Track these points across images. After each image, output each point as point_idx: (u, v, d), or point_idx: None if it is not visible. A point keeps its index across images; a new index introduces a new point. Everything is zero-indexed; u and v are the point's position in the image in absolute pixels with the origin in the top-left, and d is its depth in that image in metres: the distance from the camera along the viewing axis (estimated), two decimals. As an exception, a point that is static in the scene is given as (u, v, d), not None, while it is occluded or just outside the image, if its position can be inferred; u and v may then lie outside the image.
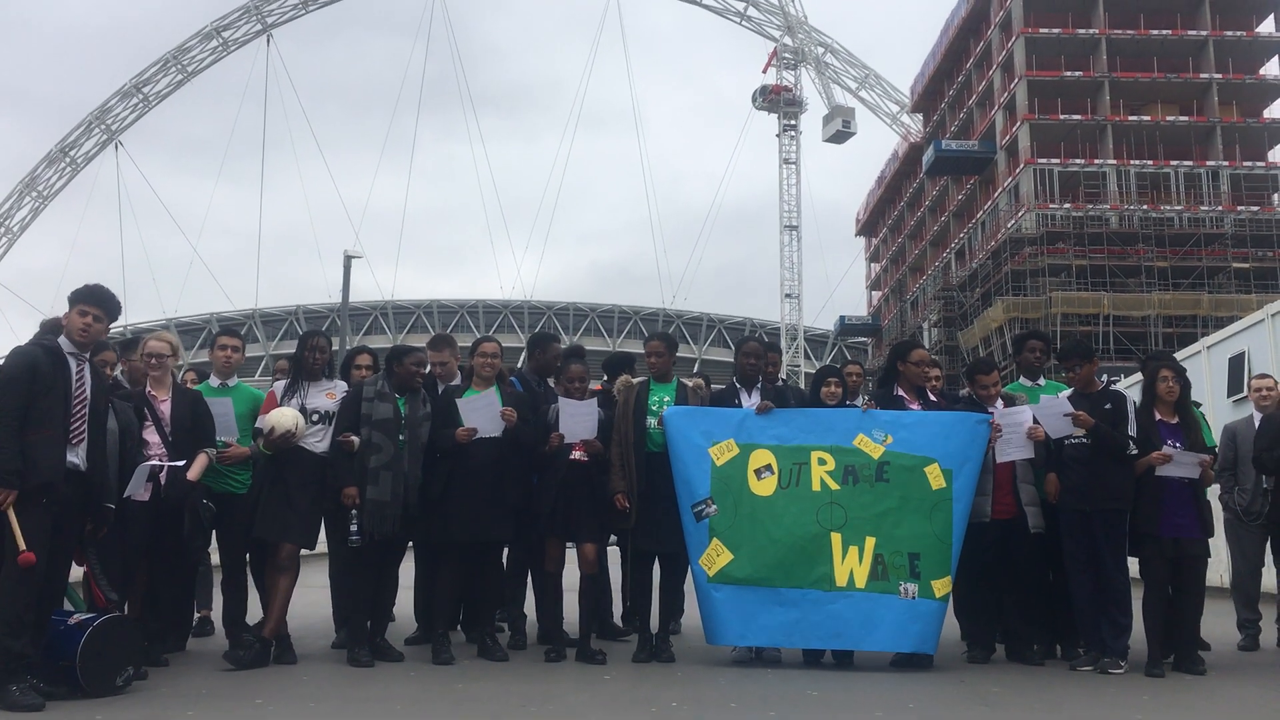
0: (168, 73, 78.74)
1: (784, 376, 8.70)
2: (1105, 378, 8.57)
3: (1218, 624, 8.36)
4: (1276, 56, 55.42)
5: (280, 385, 7.08)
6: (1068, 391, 7.22)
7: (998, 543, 7.05)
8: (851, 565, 6.72)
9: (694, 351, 78.35)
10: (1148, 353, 9.28)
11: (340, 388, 7.13)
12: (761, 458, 6.92)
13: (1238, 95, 53.96)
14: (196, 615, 7.94)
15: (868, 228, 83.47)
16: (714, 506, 6.84)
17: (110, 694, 5.44)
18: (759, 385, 7.39)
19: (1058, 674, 6.73)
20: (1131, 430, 6.78)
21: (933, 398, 7.55)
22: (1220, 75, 53.47)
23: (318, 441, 6.88)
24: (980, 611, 7.30)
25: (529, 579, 7.98)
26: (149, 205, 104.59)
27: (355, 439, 6.71)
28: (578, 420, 6.85)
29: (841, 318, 75.65)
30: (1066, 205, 52.68)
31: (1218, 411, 22.16)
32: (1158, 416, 6.92)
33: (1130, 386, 7.83)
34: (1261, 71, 55.38)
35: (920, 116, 71.90)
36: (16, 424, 5.29)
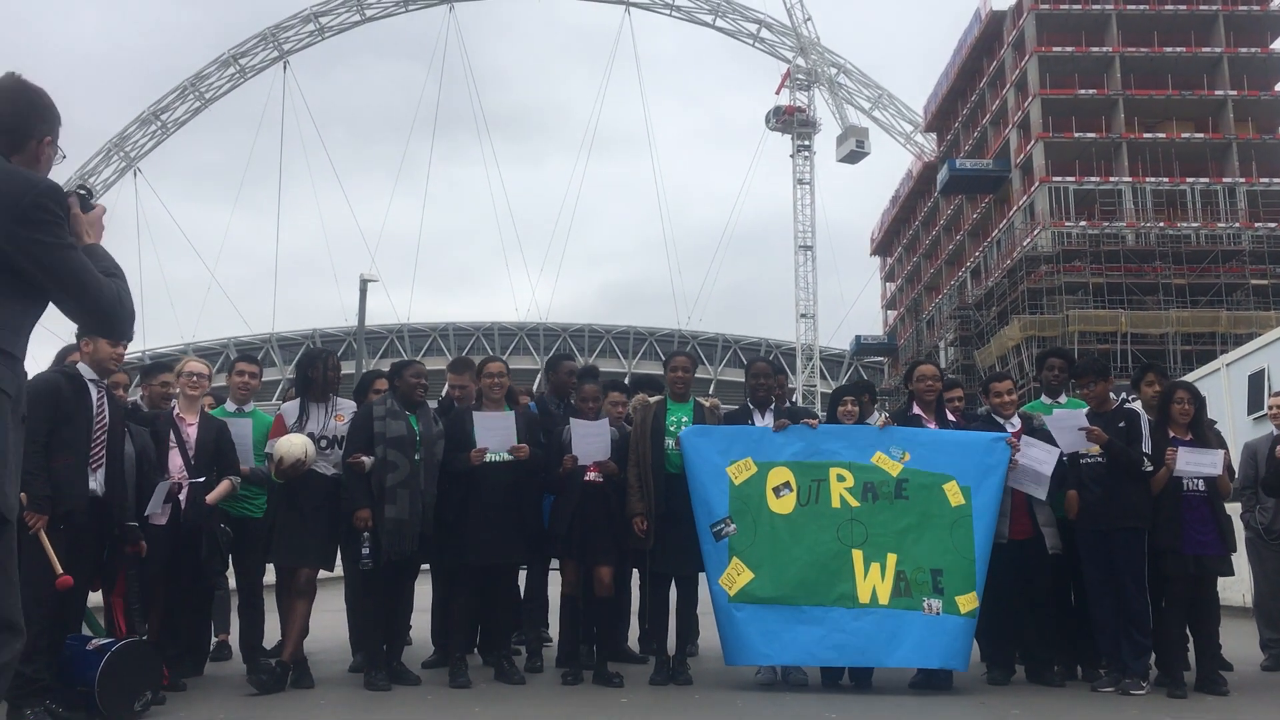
0: (185, 100, 79.56)
1: (792, 400, 8.66)
2: (1125, 396, 8.52)
3: (1241, 644, 8.29)
4: (1292, 72, 55.31)
5: (288, 407, 7.07)
6: (1085, 409, 7.20)
7: (1016, 563, 7.00)
8: (874, 582, 6.69)
9: (709, 372, 78.31)
10: (1141, 365, 9.17)
11: (349, 408, 7.13)
12: (780, 475, 6.90)
13: (1253, 112, 53.88)
14: (214, 640, 7.95)
15: (883, 247, 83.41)
16: (733, 526, 6.81)
17: (128, 719, 5.45)
18: (772, 405, 7.38)
19: (1079, 695, 6.67)
20: (1146, 448, 6.75)
21: (950, 417, 7.54)
22: (1235, 92, 53.42)
23: (331, 465, 6.88)
24: (1000, 633, 7.24)
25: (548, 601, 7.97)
26: (166, 231, 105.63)
27: (366, 460, 6.70)
28: (590, 441, 6.84)
29: (857, 337, 75.53)
30: (1082, 223, 52.61)
31: (1238, 430, 21.99)
32: (1171, 434, 6.89)
33: (1131, 399, 7.78)
34: (1277, 88, 55.24)
35: (934, 136, 71.97)
36: (43, 450, 5.34)
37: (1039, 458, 6.89)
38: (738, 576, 6.74)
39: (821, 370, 70.73)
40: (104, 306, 2.65)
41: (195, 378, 6.84)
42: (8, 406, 2.56)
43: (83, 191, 2.86)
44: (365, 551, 6.58)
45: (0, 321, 2.56)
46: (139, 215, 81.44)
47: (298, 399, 7.06)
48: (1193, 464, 6.63)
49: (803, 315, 71.13)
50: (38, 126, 2.74)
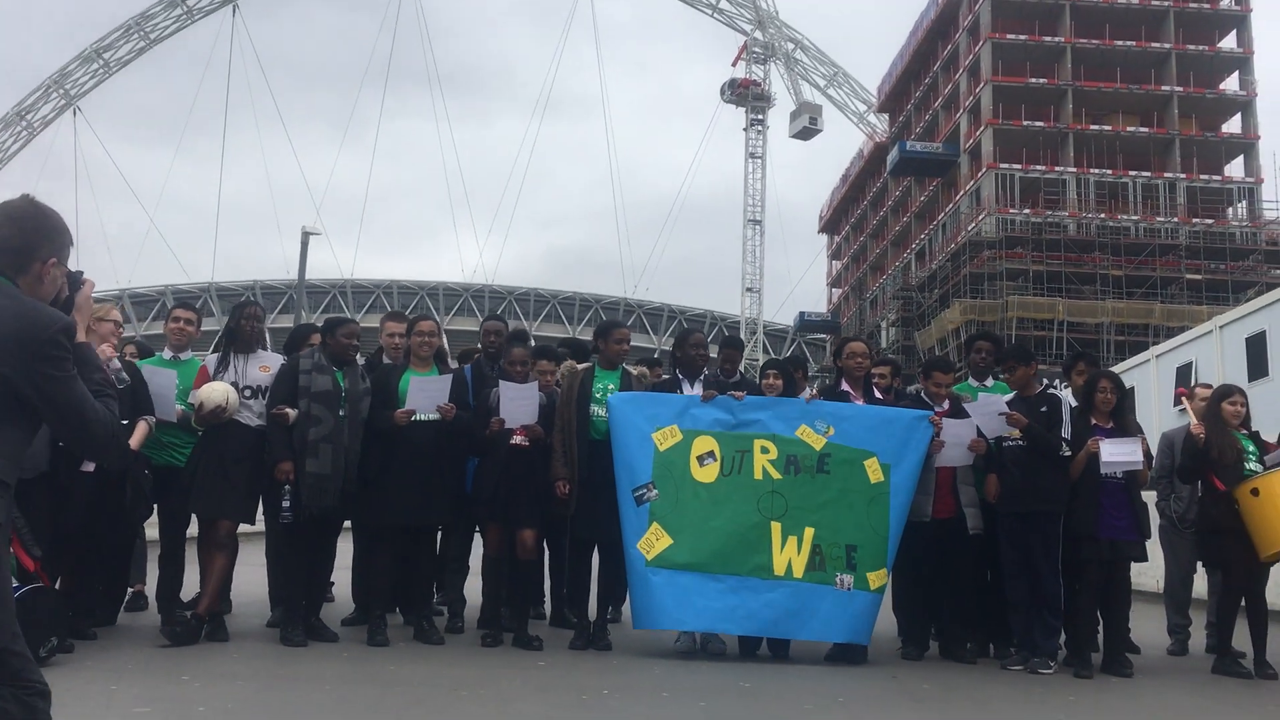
0: (130, 39, 77.62)
1: (742, 372, 8.66)
2: (1050, 382, 8.66)
3: (1150, 629, 8.50)
4: (1236, 72, 56.24)
5: (213, 359, 6.97)
6: (1010, 394, 7.30)
7: (936, 542, 7.10)
8: (790, 555, 6.76)
9: (654, 342, 78.41)
10: (1074, 353, 9.37)
11: (275, 361, 7.03)
12: (705, 444, 6.93)
13: (1197, 109, 54.77)
14: (130, 590, 7.83)
15: (830, 225, 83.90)
16: (655, 491, 6.83)
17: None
18: (702, 376, 7.39)
19: (988, 673, 6.81)
20: (1066, 433, 6.87)
21: (878, 394, 7.62)
22: (1181, 88, 54.27)
23: (254, 416, 6.79)
24: (917, 609, 7.36)
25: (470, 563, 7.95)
26: (104, 174, 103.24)
27: (291, 412, 6.62)
28: (518, 404, 6.81)
29: (801, 314, 76.00)
30: (1026, 210, 53.27)
31: (1164, 420, 22.57)
32: (1094, 422, 7.02)
33: (1062, 386, 7.91)
34: (1221, 86, 56.18)
35: (886, 117, 72.35)
36: None
37: (959, 432, 6.99)
38: (656, 542, 6.77)
39: (765, 345, 71.11)
40: (97, 436, 2.76)
41: (110, 325, 6.68)
42: None
43: (74, 272, 2.94)
44: (286, 505, 6.53)
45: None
46: (77, 155, 79.65)
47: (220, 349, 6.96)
48: (1116, 456, 6.75)
49: (749, 289, 71.52)
50: (44, 249, 2.80)
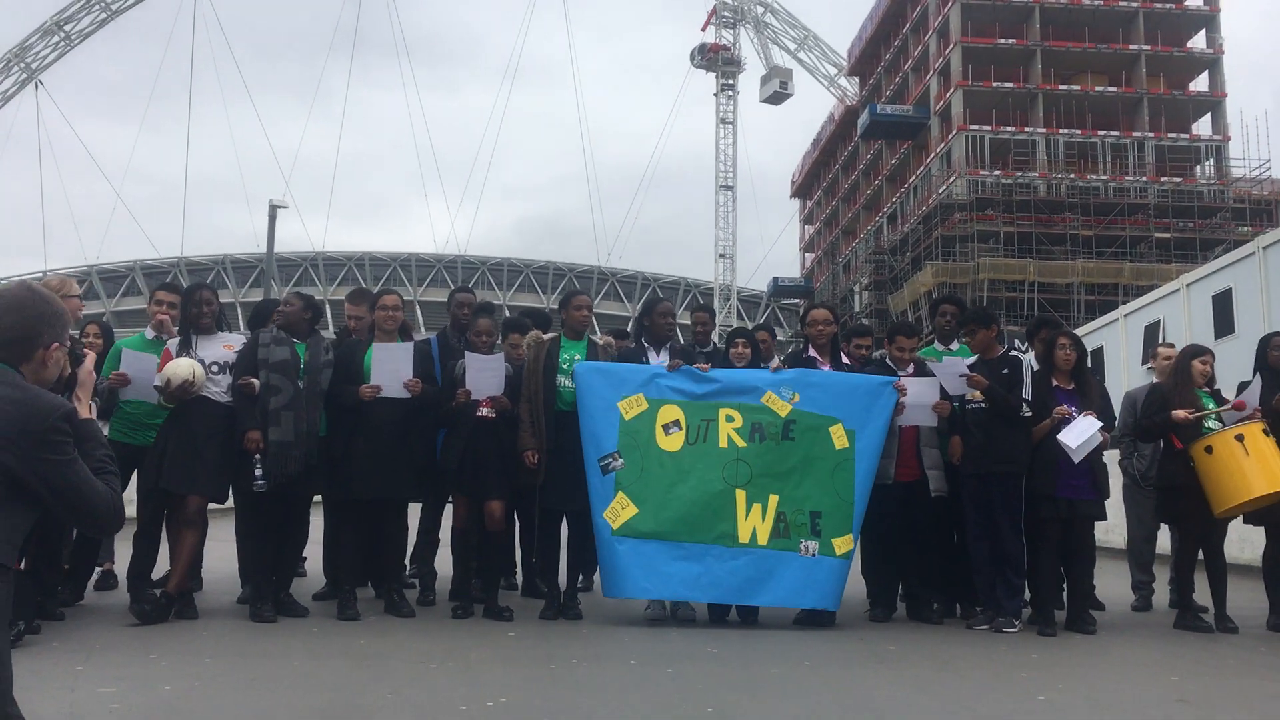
0: (90, 10, 76.38)
1: (716, 338, 8.72)
2: (1015, 344, 8.72)
3: (1115, 585, 8.63)
4: (1203, 30, 56.40)
5: (175, 342, 6.93)
6: (974, 358, 7.36)
7: (900, 505, 7.17)
8: (755, 522, 6.81)
9: (628, 310, 78.33)
10: (1038, 318, 9.48)
11: (238, 339, 7.02)
12: (670, 413, 6.96)
13: (1165, 68, 54.91)
14: (99, 569, 7.81)
15: (803, 190, 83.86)
16: (621, 460, 6.86)
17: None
18: (668, 345, 7.41)
19: (953, 633, 6.90)
20: (1027, 394, 6.94)
21: (845, 360, 7.65)
22: (1149, 47, 54.36)
23: (223, 392, 6.77)
24: (883, 572, 7.44)
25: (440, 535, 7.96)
26: (69, 148, 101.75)
27: (255, 382, 6.63)
28: (485, 376, 6.81)
29: (775, 279, 76.09)
30: (997, 172, 53.38)
31: (1132, 379, 22.79)
32: (1055, 383, 7.09)
33: (1024, 349, 7.97)
34: (1189, 44, 56.32)
35: (857, 80, 72.22)
36: None
37: (922, 392, 7.05)
38: (622, 510, 6.81)
39: (739, 310, 71.17)
40: (98, 515, 2.81)
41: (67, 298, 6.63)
42: None
43: (75, 344, 2.96)
44: (258, 473, 6.55)
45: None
46: (40, 130, 78.58)
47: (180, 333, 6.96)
48: (1082, 439, 6.79)
49: (722, 255, 71.44)
50: (45, 335, 2.86)
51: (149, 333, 7.28)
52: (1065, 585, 7.22)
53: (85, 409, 2.98)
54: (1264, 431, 6.83)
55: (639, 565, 6.74)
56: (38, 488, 2.71)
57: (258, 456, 6.57)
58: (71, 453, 2.75)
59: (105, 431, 6.42)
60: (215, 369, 6.76)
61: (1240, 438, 6.80)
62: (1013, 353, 7.30)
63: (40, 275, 59.08)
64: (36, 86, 77.55)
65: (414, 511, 7.53)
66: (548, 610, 6.99)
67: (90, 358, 3.20)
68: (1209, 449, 6.88)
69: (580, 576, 7.68)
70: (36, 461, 2.68)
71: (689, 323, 8.20)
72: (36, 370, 2.85)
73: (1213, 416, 7.07)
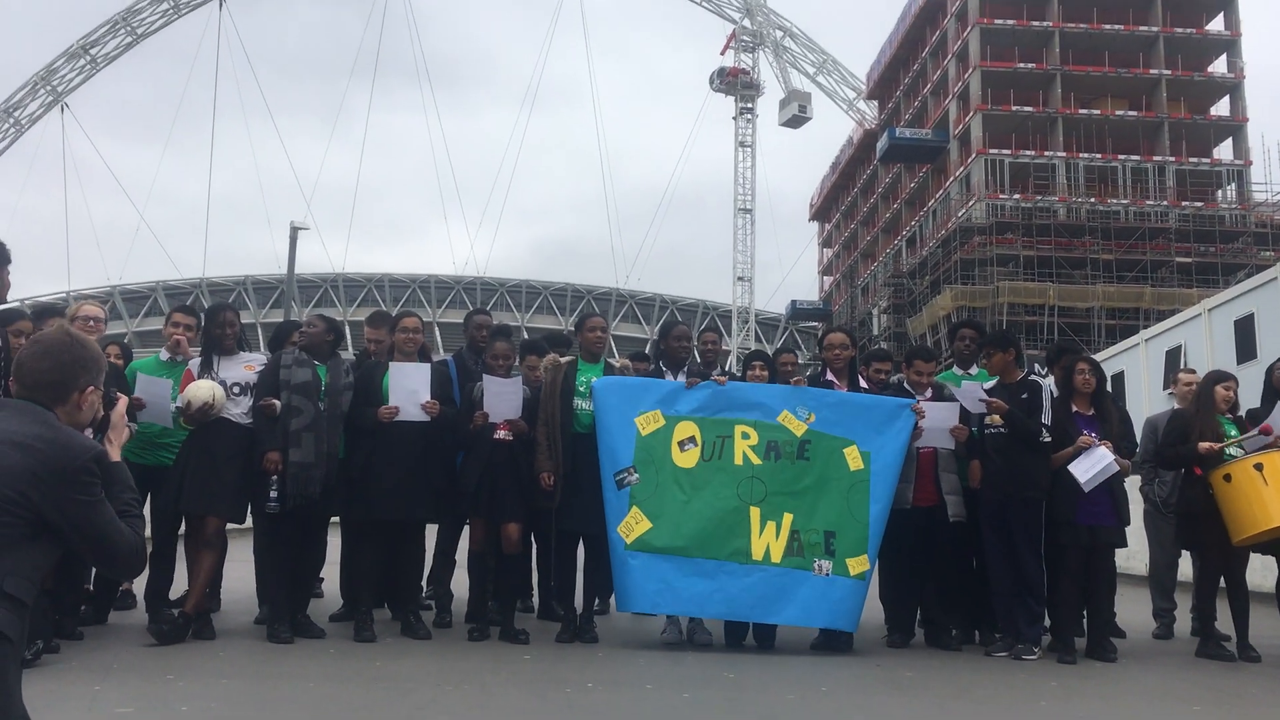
0: (116, 34, 77.22)
1: (730, 368, 8.75)
2: (1035, 368, 8.68)
3: (1136, 613, 8.56)
4: (1224, 55, 56.24)
5: (196, 362, 6.98)
6: (993, 381, 7.33)
7: (919, 530, 7.14)
8: (769, 540, 6.79)
9: (646, 332, 78.37)
10: (1059, 344, 9.45)
11: (259, 359, 7.06)
12: (686, 429, 6.97)
13: (1186, 92, 54.76)
14: (121, 588, 7.84)
15: (821, 213, 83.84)
16: (636, 475, 6.86)
17: (17, 667, 5.35)
18: (685, 368, 7.42)
19: (972, 660, 6.85)
20: (1046, 419, 6.90)
21: (862, 383, 7.64)
22: (1170, 72, 54.21)
23: (243, 414, 6.81)
24: (901, 597, 7.40)
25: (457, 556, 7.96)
26: (93, 170, 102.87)
27: (276, 403, 6.66)
28: (502, 399, 6.84)
29: (793, 302, 75.98)
30: (1016, 196, 53.23)
31: (1153, 404, 22.66)
32: (1074, 408, 7.06)
33: (1044, 374, 7.94)
34: (1210, 69, 56.18)
35: (876, 103, 72.23)
36: None
37: (942, 416, 7.03)
38: (636, 525, 6.80)
39: (757, 333, 71.12)
40: (120, 557, 2.85)
41: (91, 322, 6.68)
42: (10, 652, 2.70)
43: (108, 391, 3.11)
44: (273, 494, 6.56)
45: (17, 570, 2.70)
46: (65, 152, 79.32)
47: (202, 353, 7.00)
48: (1093, 471, 6.76)
49: (740, 278, 71.37)
50: (81, 379, 2.92)
51: (164, 354, 7.32)
52: (1086, 612, 7.16)
53: (116, 452, 3.02)
54: None
55: (652, 580, 6.73)
56: (62, 526, 2.74)
57: (275, 477, 6.59)
58: (99, 494, 2.78)
59: None
60: (236, 390, 6.81)
61: (1260, 466, 6.74)
62: (1032, 377, 7.27)
63: (63, 295, 59.62)
64: (62, 109, 78.44)
65: (430, 533, 7.55)
66: (564, 633, 6.98)
67: (123, 402, 3.25)
68: (1228, 477, 6.82)
69: (596, 600, 7.67)
70: (64, 500, 2.71)
71: (697, 343, 8.22)
72: (71, 413, 2.90)
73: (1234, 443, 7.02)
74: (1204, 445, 6.96)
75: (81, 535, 2.76)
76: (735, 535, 6.79)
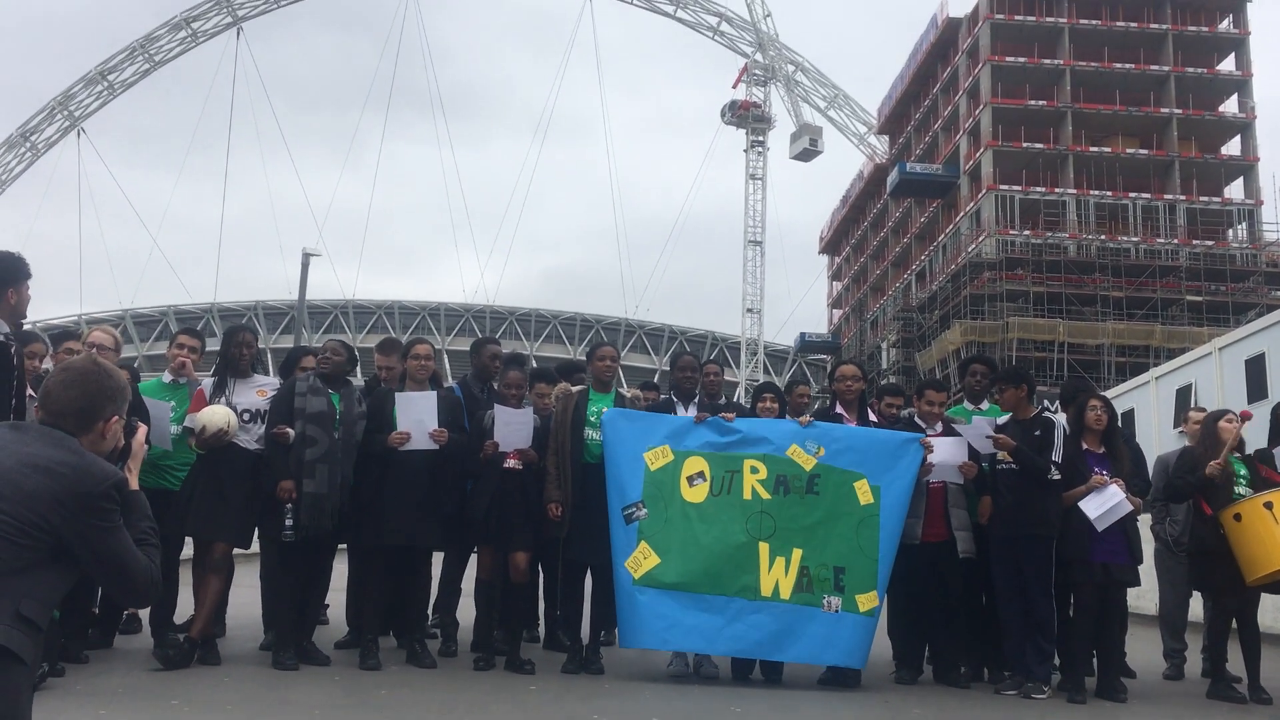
0: (134, 61, 77.95)
1: (739, 399, 8.81)
2: (1047, 405, 8.67)
3: (1147, 653, 8.48)
4: (1235, 94, 56.41)
5: (209, 382, 7.00)
6: (1005, 417, 7.32)
7: (928, 566, 7.10)
8: (778, 576, 6.75)
9: (655, 363, 78.39)
10: (1073, 383, 9.42)
11: (271, 384, 7.07)
12: (695, 464, 6.95)
13: (1197, 131, 54.90)
14: (125, 612, 7.83)
15: (831, 246, 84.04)
16: (644, 510, 6.84)
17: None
18: (696, 399, 7.42)
19: (981, 697, 6.79)
20: (1057, 456, 6.87)
21: (872, 416, 7.63)
22: (1180, 110, 54.40)
23: (253, 440, 6.81)
24: (910, 633, 7.35)
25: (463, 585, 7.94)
26: (108, 195, 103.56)
27: (290, 432, 6.66)
28: (513, 428, 6.84)
29: (802, 334, 76.05)
30: (1026, 232, 53.32)
31: (1164, 443, 22.54)
32: (1085, 446, 7.03)
33: (1055, 411, 7.92)
34: (1220, 109, 56.32)
35: (886, 138, 72.56)
36: None
37: (951, 451, 7.01)
38: (644, 560, 6.77)
39: (766, 365, 71.09)
40: (136, 584, 2.86)
41: (98, 349, 6.69)
42: (23, 675, 2.70)
43: (130, 420, 3.14)
44: (288, 523, 6.55)
45: (32, 593, 2.70)
46: (81, 176, 79.89)
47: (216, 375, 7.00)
48: (1104, 508, 6.73)
49: (749, 310, 71.47)
50: (107, 409, 2.95)
51: (166, 376, 7.34)
52: (1096, 652, 7.10)
53: (134, 480, 3.04)
54: None
55: (659, 616, 6.69)
56: (81, 552, 2.75)
57: (289, 506, 6.58)
58: (117, 521, 2.80)
59: None
60: (246, 417, 6.82)
61: (1270, 505, 6.70)
62: (1046, 414, 7.24)
63: (75, 319, 59.89)
64: (79, 134, 79.12)
65: (436, 561, 7.53)
66: (570, 664, 6.94)
67: (142, 430, 3.28)
68: (1238, 516, 6.79)
69: (603, 631, 7.62)
70: (83, 526, 2.73)
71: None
72: (95, 442, 2.93)
73: (1243, 482, 6.99)
74: (1212, 464, 6.93)
75: (99, 561, 2.78)
76: (744, 571, 6.76)
